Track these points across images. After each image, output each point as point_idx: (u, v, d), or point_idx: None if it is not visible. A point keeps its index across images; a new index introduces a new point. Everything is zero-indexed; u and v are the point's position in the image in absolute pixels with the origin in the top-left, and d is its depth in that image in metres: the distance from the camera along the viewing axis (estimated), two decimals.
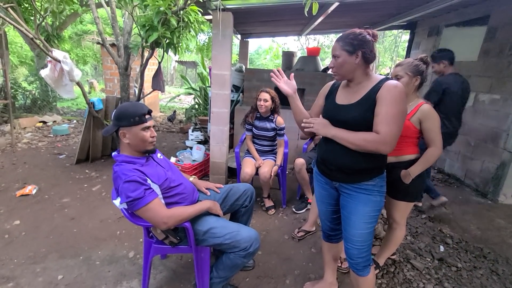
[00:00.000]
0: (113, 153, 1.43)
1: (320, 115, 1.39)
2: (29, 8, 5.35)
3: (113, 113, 1.34)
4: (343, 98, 1.29)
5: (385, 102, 1.12)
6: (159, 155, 1.55)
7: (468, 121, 3.47)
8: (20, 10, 4.95)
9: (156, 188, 1.35)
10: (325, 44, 14.78)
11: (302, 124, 1.29)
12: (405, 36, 9.73)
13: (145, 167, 1.36)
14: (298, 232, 2.26)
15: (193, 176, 1.82)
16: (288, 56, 4.82)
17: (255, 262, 1.92)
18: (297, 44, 15.99)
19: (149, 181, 1.31)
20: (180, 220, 1.34)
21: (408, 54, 5.15)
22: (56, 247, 2.01)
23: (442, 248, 2.18)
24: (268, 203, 2.68)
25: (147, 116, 1.35)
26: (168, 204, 1.40)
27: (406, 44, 5.40)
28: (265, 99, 2.48)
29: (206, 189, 1.72)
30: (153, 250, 1.53)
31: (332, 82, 1.43)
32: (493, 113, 3.12)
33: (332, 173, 1.32)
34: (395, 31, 7.81)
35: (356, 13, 4.01)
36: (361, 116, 1.18)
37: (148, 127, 1.35)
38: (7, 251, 1.95)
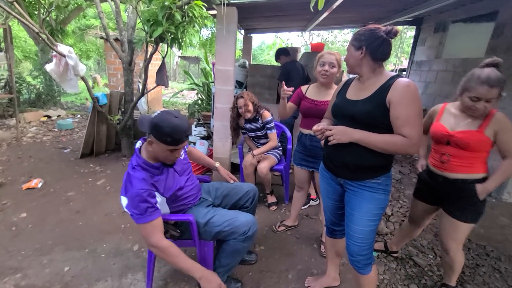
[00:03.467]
0: (137, 143, 1.43)
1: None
2: (33, 2, 5.35)
3: (155, 116, 1.27)
4: (353, 93, 1.29)
5: (403, 103, 1.10)
6: (181, 152, 1.54)
7: None
8: (24, 4, 4.95)
9: (162, 202, 1.38)
10: (329, 40, 14.65)
11: (316, 133, 1.24)
12: (411, 32, 9.60)
13: (158, 177, 1.37)
14: (279, 226, 2.29)
15: (218, 163, 1.89)
16: (292, 51, 4.78)
17: (257, 255, 1.94)
18: (301, 40, 15.87)
19: (157, 196, 1.33)
20: (165, 259, 1.29)
21: (413, 51, 5.10)
22: (62, 240, 2.04)
23: None
24: (271, 199, 2.69)
25: (181, 141, 1.31)
26: (173, 211, 1.47)
27: (412, 40, 5.34)
28: (245, 105, 2.40)
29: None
30: None
31: (345, 80, 1.43)
32: (500, 111, 3.07)
33: (337, 170, 1.32)
34: (400, 27, 7.71)
35: (362, 9, 3.97)
36: (368, 111, 1.17)
37: (176, 149, 1.33)
38: (15, 243, 1.99)
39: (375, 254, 2.04)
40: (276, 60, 3.95)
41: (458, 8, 3.79)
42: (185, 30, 2.37)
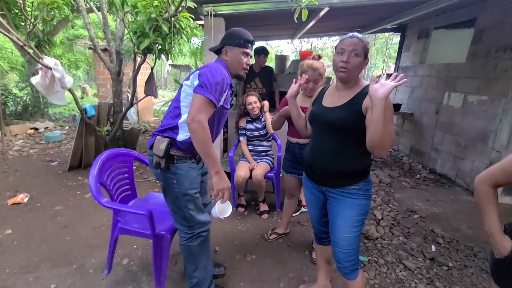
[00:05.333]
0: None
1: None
2: (19, 14, 5.30)
3: (226, 32, 1.46)
4: (329, 101, 1.32)
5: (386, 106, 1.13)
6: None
7: (458, 121, 3.54)
8: (11, 16, 4.90)
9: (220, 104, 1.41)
10: (318, 46, 14.92)
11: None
12: (396, 38, 9.88)
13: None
14: (270, 234, 2.29)
15: None
16: (281, 59, 4.86)
17: (226, 268, 1.90)
18: (291, 47, 16.11)
19: (225, 95, 1.39)
20: (199, 137, 1.25)
21: (399, 56, 5.24)
22: (48, 256, 1.99)
23: (433, 248, 2.21)
24: (263, 207, 2.69)
25: (249, 45, 1.44)
26: (210, 121, 1.39)
27: (398, 46, 5.48)
28: (254, 101, 2.56)
29: None
30: (118, 230, 1.69)
31: (320, 88, 1.47)
32: (482, 114, 3.19)
33: (319, 178, 1.35)
34: (386, 34, 7.94)
35: (347, 17, 4.07)
36: (344, 118, 1.20)
37: (247, 54, 1.44)
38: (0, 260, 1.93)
39: (365, 258, 2.06)
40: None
41: (439, 15, 3.93)
42: (173, 41, 2.39)
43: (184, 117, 1.36)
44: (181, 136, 1.38)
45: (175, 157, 1.40)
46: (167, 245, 1.63)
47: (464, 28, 3.60)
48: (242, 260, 2.03)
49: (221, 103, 1.38)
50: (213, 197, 1.43)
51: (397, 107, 4.53)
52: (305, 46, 15.24)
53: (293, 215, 2.60)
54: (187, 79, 1.38)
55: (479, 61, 3.27)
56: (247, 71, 1.50)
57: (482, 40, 3.23)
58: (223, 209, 1.42)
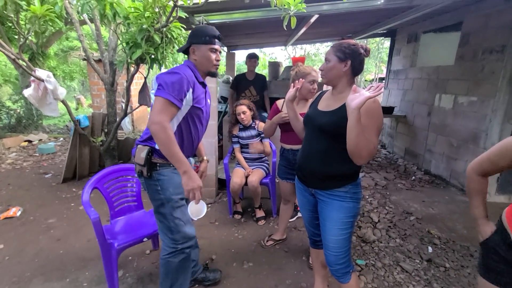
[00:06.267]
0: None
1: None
2: (13, 27, 5.31)
3: (191, 31, 1.45)
4: (324, 105, 1.34)
5: (369, 115, 1.16)
6: (209, 100, 1.57)
7: (450, 122, 3.59)
8: (4, 29, 4.91)
9: (186, 105, 1.36)
10: (312, 52, 15.11)
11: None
12: (387, 42, 10.05)
13: (198, 85, 1.40)
14: (267, 241, 2.28)
15: (207, 158, 1.86)
16: (274, 66, 4.91)
17: (221, 273, 1.90)
18: (285, 53, 16.30)
19: (189, 94, 1.33)
20: (161, 139, 1.25)
21: (390, 60, 5.33)
22: (41, 270, 1.95)
23: (430, 249, 2.22)
24: (259, 213, 2.68)
25: (216, 40, 1.42)
26: (184, 125, 1.41)
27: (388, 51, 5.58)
28: (243, 112, 2.54)
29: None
30: (116, 251, 1.66)
31: (319, 92, 1.49)
32: (472, 115, 3.24)
33: (308, 180, 1.37)
34: (377, 38, 8.09)
35: (337, 23, 4.15)
36: (333, 122, 1.23)
37: (215, 50, 1.42)
38: None
39: (363, 262, 2.05)
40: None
41: (426, 20, 4.03)
42: (165, 51, 2.41)
43: None
44: None
45: (158, 164, 1.39)
46: (115, 255, 1.65)
47: (451, 32, 3.68)
48: (239, 268, 2.01)
49: (187, 102, 1.35)
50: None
51: (390, 110, 4.58)
52: (299, 52, 15.42)
53: (290, 220, 2.60)
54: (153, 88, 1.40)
55: (467, 63, 3.34)
56: (218, 67, 1.47)
57: (469, 43, 3.31)
58: (196, 210, 1.37)
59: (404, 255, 2.15)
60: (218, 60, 1.44)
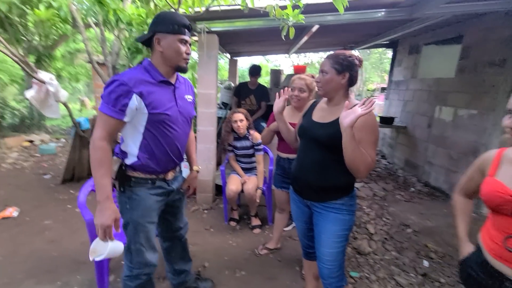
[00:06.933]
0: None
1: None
2: (22, 28, 5.42)
3: (154, 17, 1.23)
4: (319, 116, 1.34)
5: (364, 129, 1.16)
6: (188, 96, 1.36)
7: (450, 135, 3.58)
8: (12, 31, 5.02)
9: (140, 113, 1.17)
10: (315, 60, 15.19)
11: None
12: (390, 53, 10.11)
13: (154, 87, 1.20)
14: (261, 249, 2.26)
15: (198, 168, 1.64)
16: (275, 74, 4.96)
17: (213, 283, 1.88)
18: (289, 61, 16.42)
19: (134, 100, 1.13)
20: (90, 158, 1.14)
21: (391, 71, 5.35)
22: (33, 272, 1.95)
23: (426, 263, 2.18)
24: (255, 221, 2.67)
25: (186, 30, 1.21)
26: (150, 134, 1.23)
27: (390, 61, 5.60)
28: (240, 119, 2.47)
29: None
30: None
31: (312, 101, 1.49)
32: (472, 127, 3.23)
33: (303, 192, 1.36)
34: (380, 49, 8.14)
35: (338, 34, 4.18)
36: (330, 135, 1.22)
37: (185, 41, 1.21)
38: None
39: (357, 274, 2.02)
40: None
41: (428, 32, 4.05)
42: None
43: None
44: (129, 159, 1.26)
45: (132, 178, 1.26)
46: (106, 259, 1.53)
47: (452, 44, 3.70)
48: (231, 276, 1.99)
49: (140, 111, 1.16)
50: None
51: (390, 120, 4.58)
52: (303, 60, 15.53)
53: (285, 229, 2.57)
54: None
55: (467, 76, 3.34)
56: (188, 61, 1.26)
57: (469, 56, 3.31)
58: (95, 248, 1.17)
59: (399, 269, 2.12)
60: (188, 54, 1.23)
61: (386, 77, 12.69)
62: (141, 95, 1.14)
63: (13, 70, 10.08)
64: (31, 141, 5.42)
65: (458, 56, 3.49)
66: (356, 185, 3.73)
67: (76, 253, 2.18)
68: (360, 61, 1.28)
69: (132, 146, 1.24)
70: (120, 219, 1.23)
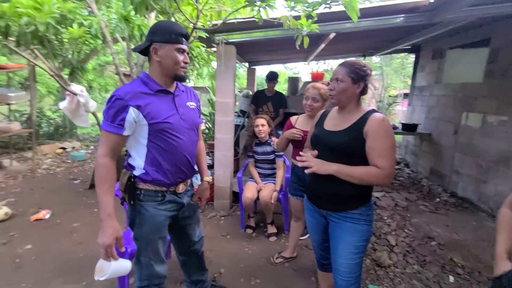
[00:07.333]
0: None
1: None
2: (58, 44, 5.91)
3: (150, 27, 1.23)
4: (331, 125, 1.34)
5: (378, 136, 1.16)
6: (191, 103, 1.36)
7: (478, 142, 3.38)
8: (50, 47, 5.47)
9: (140, 125, 1.18)
10: (335, 67, 15.00)
11: (299, 164, 1.26)
12: (412, 57, 9.80)
13: (152, 98, 1.20)
14: (276, 258, 2.24)
15: (209, 178, 1.62)
16: (293, 81, 4.97)
17: None
18: (307, 68, 16.36)
19: (132, 113, 1.14)
20: (96, 175, 1.16)
21: (414, 76, 5.18)
22: (61, 272, 2.07)
23: (451, 279, 2.06)
24: (271, 229, 2.67)
25: (183, 39, 1.21)
26: (153, 145, 1.22)
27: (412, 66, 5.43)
28: (262, 124, 2.57)
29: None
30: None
31: (322, 111, 1.49)
32: (503, 135, 3.03)
33: (319, 201, 1.34)
34: (402, 54, 7.93)
35: (357, 40, 4.14)
36: (347, 143, 1.22)
37: (182, 50, 1.21)
38: (17, 274, 2.04)
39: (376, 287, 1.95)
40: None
41: (453, 35, 3.90)
42: None
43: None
44: (137, 172, 1.26)
45: (142, 191, 1.26)
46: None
47: (479, 48, 3.52)
48: (246, 284, 2.00)
49: (139, 123, 1.16)
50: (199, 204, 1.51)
51: (413, 127, 4.41)
52: (322, 67, 15.40)
53: (301, 238, 2.55)
54: None
55: (496, 81, 3.16)
56: (186, 70, 1.25)
57: (498, 60, 3.14)
58: (101, 267, 1.16)
59: (422, 283, 2.02)
60: (186, 63, 1.23)
61: (409, 82, 12.26)
62: (138, 107, 1.14)
63: (50, 82, 10.93)
64: (63, 148, 5.81)
65: (486, 60, 3.32)
66: (377, 194, 3.62)
67: (100, 255, 2.29)
68: (371, 71, 1.29)
69: (138, 159, 1.24)
70: (129, 232, 1.27)
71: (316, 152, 1.27)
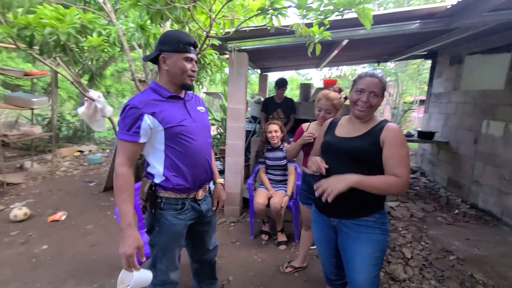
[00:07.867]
0: None
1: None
2: (79, 52, 6.18)
3: (159, 37, 1.27)
4: (344, 132, 1.32)
5: (397, 144, 1.16)
6: (200, 108, 1.41)
7: (501, 152, 3.23)
8: (71, 55, 5.73)
9: (156, 131, 1.21)
10: (348, 73, 14.86)
11: (316, 194, 1.19)
12: (429, 63, 9.57)
13: (164, 104, 1.24)
14: (286, 267, 2.19)
15: (222, 180, 1.64)
16: (305, 88, 4.94)
17: None
18: (320, 74, 16.28)
19: (147, 121, 1.17)
20: (115, 185, 1.17)
21: (430, 83, 5.04)
22: (74, 273, 2.12)
23: None
24: (281, 237, 2.63)
25: (191, 48, 1.24)
26: (171, 150, 1.25)
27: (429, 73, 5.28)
28: (275, 130, 2.57)
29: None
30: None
31: (330, 120, 1.47)
32: None
33: (329, 208, 1.29)
34: (417, 60, 7.74)
35: (371, 46, 4.08)
36: (364, 147, 1.20)
37: (190, 59, 1.24)
38: (33, 274, 2.10)
39: None
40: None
41: (471, 41, 3.77)
42: (198, 75, 2.60)
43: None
44: (157, 179, 1.27)
45: (163, 200, 1.27)
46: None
47: (500, 53, 3.39)
48: None
49: (155, 129, 1.19)
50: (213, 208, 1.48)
51: (430, 135, 4.27)
52: (335, 73, 15.27)
53: (311, 248, 2.49)
54: None
55: None
56: (194, 78, 1.29)
57: None
58: (123, 278, 1.15)
59: None
60: (194, 71, 1.27)
61: (426, 88, 11.95)
62: (153, 114, 1.18)
63: (70, 88, 11.41)
64: (81, 151, 6.02)
65: (508, 66, 3.19)
66: (391, 204, 3.51)
67: (112, 258, 2.33)
68: None
69: (157, 166, 1.26)
70: (146, 238, 1.28)
71: (327, 166, 1.22)
